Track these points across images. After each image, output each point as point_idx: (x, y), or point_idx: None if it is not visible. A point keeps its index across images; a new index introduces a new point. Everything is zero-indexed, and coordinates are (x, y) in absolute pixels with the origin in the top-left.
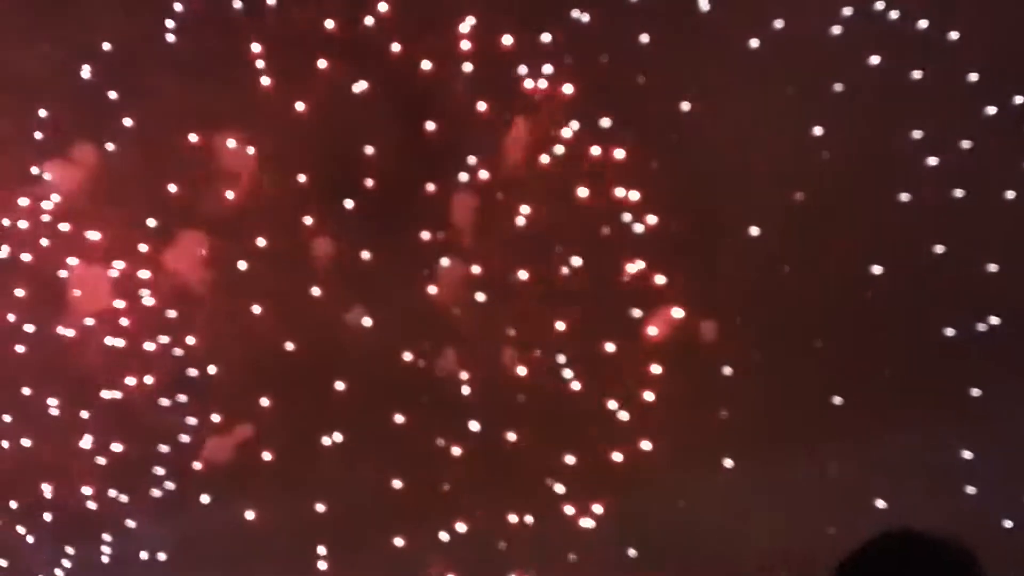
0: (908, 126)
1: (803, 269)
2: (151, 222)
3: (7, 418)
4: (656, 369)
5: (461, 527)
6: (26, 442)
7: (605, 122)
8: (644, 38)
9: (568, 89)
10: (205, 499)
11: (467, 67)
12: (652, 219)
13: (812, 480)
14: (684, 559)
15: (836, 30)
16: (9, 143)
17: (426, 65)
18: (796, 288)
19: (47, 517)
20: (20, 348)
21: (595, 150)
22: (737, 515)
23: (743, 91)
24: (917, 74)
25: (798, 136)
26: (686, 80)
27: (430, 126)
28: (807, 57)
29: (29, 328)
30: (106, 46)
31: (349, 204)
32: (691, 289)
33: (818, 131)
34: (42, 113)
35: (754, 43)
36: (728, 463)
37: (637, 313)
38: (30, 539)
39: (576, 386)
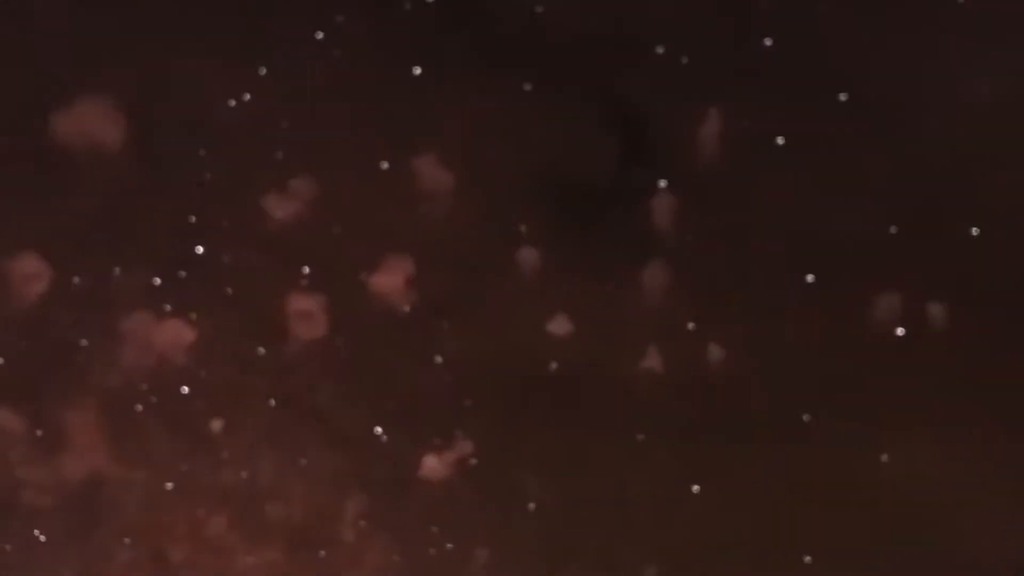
0: None
1: None
2: (358, 248)
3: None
4: (884, 380)
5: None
6: (261, 468)
7: (808, 108)
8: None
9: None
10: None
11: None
12: (866, 214)
13: None
14: None
15: None
16: (224, 176)
17: (613, 65)
18: None
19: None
20: (246, 376)
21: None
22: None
23: (949, 60)
24: None
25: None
26: (879, 50)
27: (623, 128)
28: None
29: (253, 356)
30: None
31: (548, 213)
32: (917, 291)
33: None
34: (255, 145)
35: None
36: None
37: (858, 318)
38: None
39: (807, 418)
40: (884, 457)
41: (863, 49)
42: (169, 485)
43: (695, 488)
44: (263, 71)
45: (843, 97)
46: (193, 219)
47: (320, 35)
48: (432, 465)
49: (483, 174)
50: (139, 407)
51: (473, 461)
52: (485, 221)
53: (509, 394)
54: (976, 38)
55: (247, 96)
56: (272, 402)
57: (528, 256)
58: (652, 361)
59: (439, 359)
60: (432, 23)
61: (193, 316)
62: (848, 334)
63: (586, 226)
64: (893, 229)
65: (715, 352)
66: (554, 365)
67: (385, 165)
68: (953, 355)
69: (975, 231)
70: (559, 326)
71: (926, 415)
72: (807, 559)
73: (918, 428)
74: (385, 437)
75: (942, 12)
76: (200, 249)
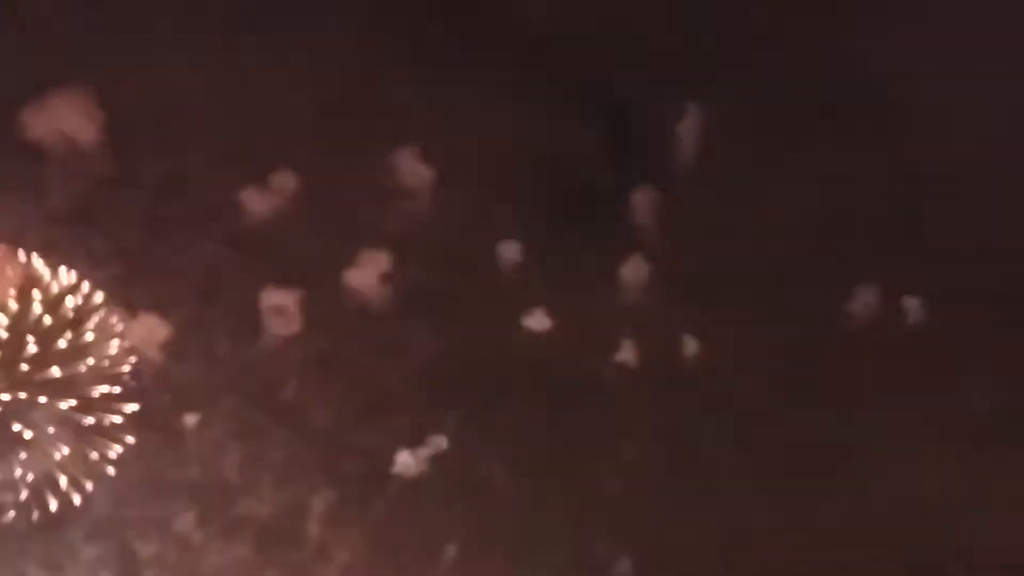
0: None
1: None
2: (334, 243)
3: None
4: (861, 375)
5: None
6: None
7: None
8: None
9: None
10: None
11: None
12: (848, 210)
13: None
14: None
15: None
16: (203, 172)
17: (595, 62)
18: None
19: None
20: (218, 371)
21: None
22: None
23: (938, 58)
24: None
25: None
26: (867, 47)
27: (605, 124)
28: None
29: (225, 351)
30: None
31: (528, 209)
32: (898, 277)
33: None
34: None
35: None
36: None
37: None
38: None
39: (783, 413)
40: (864, 451)
41: (851, 46)
42: (138, 481)
43: (669, 482)
44: (240, 67)
45: (829, 94)
46: (167, 213)
47: (297, 30)
48: (405, 461)
49: (463, 169)
50: (110, 402)
51: (445, 456)
52: (464, 216)
53: (484, 390)
54: (968, 40)
55: (223, 91)
56: (243, 398)
57: (507, 251)
58: (626, 355)
59: (414, 354)
60: (412, 18)
61: (166, 312)
62: (827, 330)
63: (566, 222)
64: (875, 225)
65: (691, 346)
66: (530, 361)
67: (364, 160)
68: (933, 350)
69: (957, 230)
70: (537, 321)
71: (906, 409)
72: (779, 554)
73: (898, 422)
74: (357, 433)
75: (932, 13)
76: (175, 244)
